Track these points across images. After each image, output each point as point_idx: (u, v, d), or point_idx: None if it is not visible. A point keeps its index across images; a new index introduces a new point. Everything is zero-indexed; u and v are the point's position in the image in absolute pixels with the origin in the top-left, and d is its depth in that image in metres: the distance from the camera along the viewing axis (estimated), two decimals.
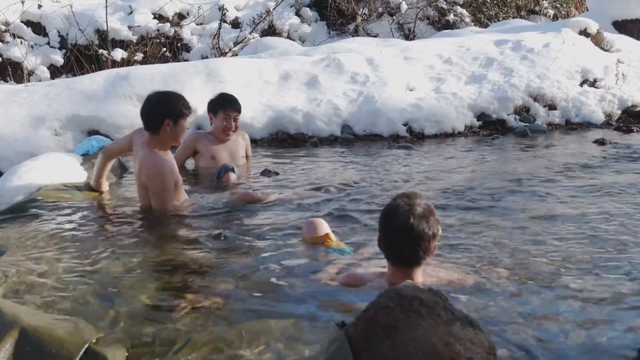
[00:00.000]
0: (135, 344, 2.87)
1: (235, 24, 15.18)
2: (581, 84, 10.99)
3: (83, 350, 2.74)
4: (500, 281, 3.82)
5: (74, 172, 6.31)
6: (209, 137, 7.19)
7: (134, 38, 14.10)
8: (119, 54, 13.52)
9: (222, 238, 4.66)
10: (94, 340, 2.81)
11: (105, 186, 5.88)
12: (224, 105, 7.12)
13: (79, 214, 5.27)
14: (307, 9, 15.96)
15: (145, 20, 14.33)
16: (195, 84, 9.35)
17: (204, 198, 5.85)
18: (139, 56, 13.83)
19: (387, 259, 3.62)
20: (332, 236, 4.54)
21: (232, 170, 6.42)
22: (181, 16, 15.08)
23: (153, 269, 4.11)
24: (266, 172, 6.79)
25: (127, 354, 2.81)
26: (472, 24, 16.01)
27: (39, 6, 13.93)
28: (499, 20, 16.18)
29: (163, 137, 5.21)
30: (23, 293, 3.60)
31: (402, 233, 3.46)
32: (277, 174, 6.79)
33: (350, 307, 3.36)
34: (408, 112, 9.58)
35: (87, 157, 6.87)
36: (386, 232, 3.56)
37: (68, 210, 5.35)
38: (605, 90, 10.86)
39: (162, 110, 5.16)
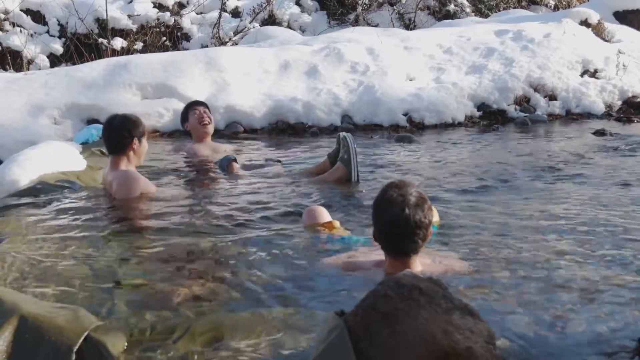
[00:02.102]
0: (134, 332, 2.86)
1: (236, 13, 15.16)
2: (582, 75, 10.99)
3: (82, 338, 2.74)
4: (499, 270, 3.82)
5: (74, 160, 6.30)
6: (190, 143, 7.31)
7: (134, 27, 14.06)
8: (118, 42, 13.49)
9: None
10: (94, 328, 2.81)
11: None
12: (190, 106, 7.37)
13: (78, 203, 5.27)
14: None
15: (145, 9, 14.29)
16: (195, 72, 9.35)
17: (209, 188, 5.87)
18: (139, 45, 13.80)
19: (385, 251, 3.59)
20: (337, 223, 4.54)
21: (235, 160, 6.42)
22: (181, 5, 15.05)
23: (152, 257, 4.11)
24: (267, 162, 6.77)
25: (126, 342, 2.80)
26: (473, 14, 16.00)
27: None
28: (499, 11, 16.18)
29: (129, 156, 5.40)
30: (22, 281, 3.60)
31: (399, 225, 3.43)
32: (279, 162, 6.78)
33: (350, 295, 3.36)
34: (408, 102, 9.58)
35: (86, 146, 6.87)
36: (381, 225, 3.52)
37: (67, 199, 5.35)
38: (605, 80, 10.87)
39: (129, 130, 5.37)
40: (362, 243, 4.22)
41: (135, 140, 5.35)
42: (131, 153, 5.37)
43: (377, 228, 3.55)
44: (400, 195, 3.45)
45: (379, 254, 3.68)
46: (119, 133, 5.37)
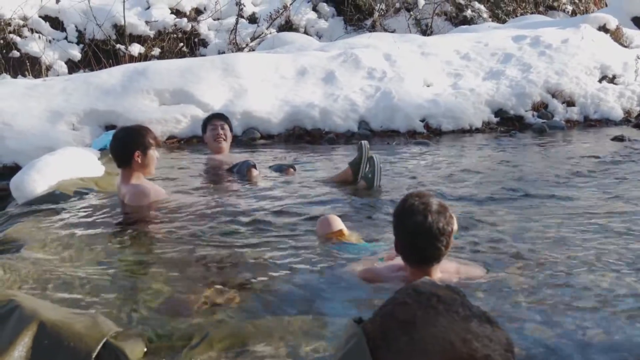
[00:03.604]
0: (153, 339, 2.87)
1: (252, 19, 15.20)
2: (600, 80, 10.94)
3: (101, 344, 2.75)
4: (518, 278, 3.80)
5: (92, 166, 6.33)
6: (208, 154, 7.33)
7: (151, 33, 14.13)
8: (136, 49, 13.56)
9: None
10: (112, 335, 2.82)
11: None
12: (209, 119, 7.32)
13: (97, 209, 5.29)
14: (324, 4, 15.95)
15: (162, 15, 14.37)
16: (212, 78, 9.37)
17: (226, 195, 5.88)
18: (156, 51, 13.86)
19: (406, 261, 3.56)
20: (346, 231, 4.53)
21: (254, 166, 6.40)
22: (198, 11, 15.11)
23: (170, 264, 4.11)
24: (283, 168, 6.73)
25: (144, 348, 2.81)
26: (490, 19, 15.96)
27: (57, 1, 14.01)
28: (517, 16, 16.12)
29: (135, 168, 5.35)
30: (41, 287, 3.62)
31: (422, 232, 3.40)
32: (294, 169, 6.75)
33: (368, 303, 3.35)
34: (425, 108, 9.56)
35: (104, 152, 6.89)
36: (404, 234, 3.48)
37: (86, 205, 5.37)
38: (624, 86, 10.82)
39: (131, 143, 5.32)
40: (377, 250, 4.21)
41: (138, 153, 5.28)
42: (135, 165, 5.32)
43: (399, 238, 3.51)
44: (422, 203, 3.43)
45: (397, 262, 3.66)
46: (120, 146, 5.35)
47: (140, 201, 5.27)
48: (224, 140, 7.13)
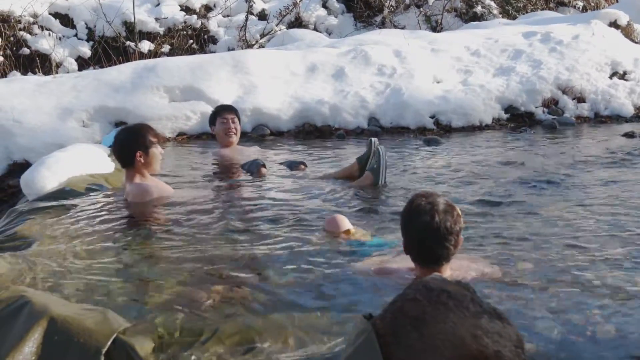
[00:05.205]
0: (162, 334, 2.88)
1: (262, 16, 15.19)
2: (611, 77, 10.89)
3: (111, 340, 2.76)
4: (527, 274, 3.79)
5: (102, 163, 6.34)
6: (218, 148, 7.36)
7: (161, 30, 14.13)
8: (146, 45, 13.56)
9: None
10: (122, 330, 2.82)
11: None
12: (219, 112, 7.36)
13: (107, 205, 5.30)
14: (334, 0, 15.92)
15: (172, 12, 14.37)
16: (221, 75, 9.37)
17: (235, 192, 5.88)
18: (166, 48, 13.87)
19: (416, 261, 3.57)
20: (353, 231, 4.54)
21: (264, 165, 6.41)
22: (208, 8, 15.10)
23: (180, 259, 4.12)
24: (294, 165, 6.73)
25: (154, 344, 2.81)
26: (500, 15, 15.91)
27: None
28: (527, 12, 16.07)
29: (139, 168, 5.37)
30: (52, 283, 3.63)
31: (429, 232, 3.40)
32: (305, 165, 6.75)
33: (378, 299, 3.35)
34: (435, 105, 9.54)
35: None
36: (412, 235, 3.50)
37: (96, 201, 5.38)
38: (635, 82, 10.76)
39: (131, 144, 5.34)
40: (385, 248, 4.21)
41: (140, 153, 5.30)
42: (139, 165, 5.34)
43: (407, 238, 3.52)
44: (429, 203, 3.44)
45: (406, 259, 3.66)
46: (121, 148, 5.38)
47: (142, 198, 5.29)
48: (235, 134, 7.18)
